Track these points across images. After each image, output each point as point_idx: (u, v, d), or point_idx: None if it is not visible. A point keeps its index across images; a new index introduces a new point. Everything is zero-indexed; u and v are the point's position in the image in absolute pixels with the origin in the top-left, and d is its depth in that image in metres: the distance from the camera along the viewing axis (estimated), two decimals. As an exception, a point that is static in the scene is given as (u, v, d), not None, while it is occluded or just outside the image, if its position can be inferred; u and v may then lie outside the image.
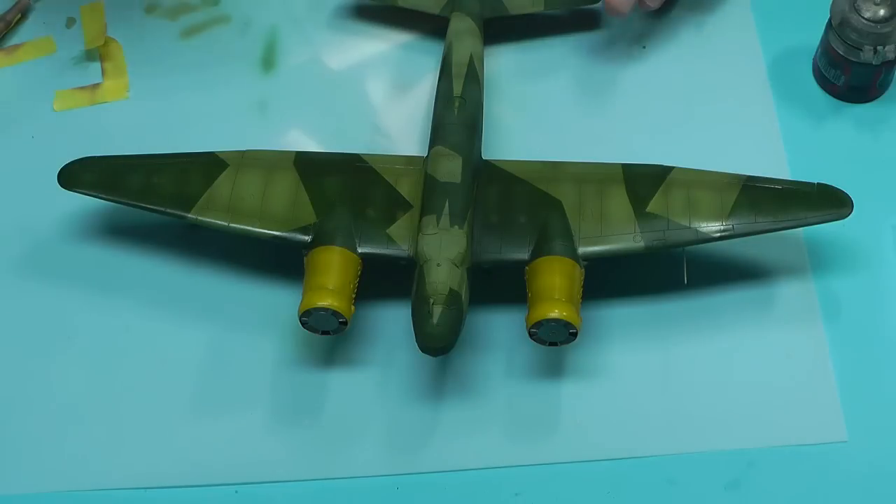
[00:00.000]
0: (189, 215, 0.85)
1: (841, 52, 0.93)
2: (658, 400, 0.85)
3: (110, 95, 1.00)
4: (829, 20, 0.94)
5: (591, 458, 0.83)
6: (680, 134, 0.97)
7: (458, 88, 0.90)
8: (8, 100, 1.00)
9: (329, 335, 0.83)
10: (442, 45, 0.96)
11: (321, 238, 0.83)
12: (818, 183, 0.86)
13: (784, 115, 0.97)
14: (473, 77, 0.91)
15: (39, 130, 0.99)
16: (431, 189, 0.85)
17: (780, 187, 0.85)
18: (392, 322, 0.87)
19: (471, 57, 0.93)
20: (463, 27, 0.95)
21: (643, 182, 0.86)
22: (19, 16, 1.04)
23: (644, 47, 1.01)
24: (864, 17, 0.91)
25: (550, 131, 0.97)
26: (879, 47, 0.92)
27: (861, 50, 0.92)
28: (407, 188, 0.86)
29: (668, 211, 0.84)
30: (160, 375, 0.87)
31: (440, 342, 0.80)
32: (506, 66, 1.00)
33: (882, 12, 0.91)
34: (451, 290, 0.80)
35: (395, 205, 0.85)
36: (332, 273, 0.82)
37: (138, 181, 0.87)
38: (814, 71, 0.99)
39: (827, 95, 0.98)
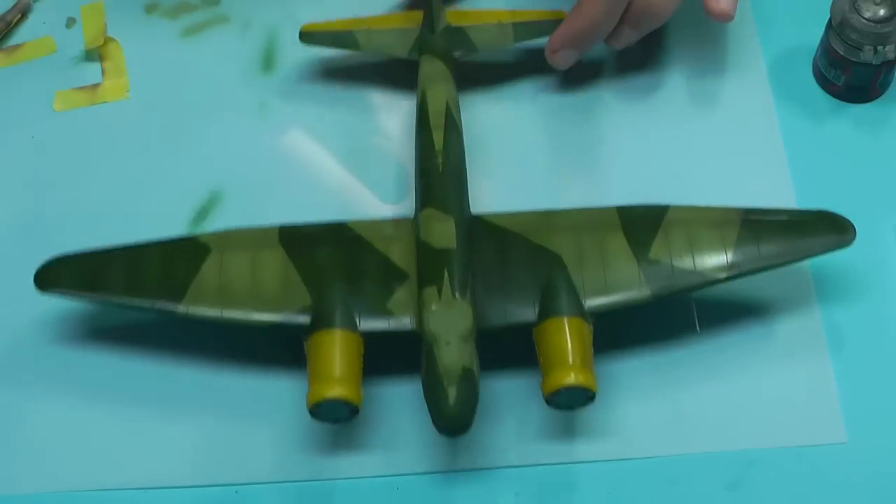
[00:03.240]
0: (178, 309, 0.82)
1: (841, 52, 0.93)
2: (658, 400, 0.85)
3: (110, 95, 1.00)
4: (829, 20, 0.94)
5: (591, 458, 0.83)
6: (679, 134, 0.96)
7: (439, 142, 0.87)
8: (8, 100, 1.00)
9: (339, 423, 0.81)
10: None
11: (320, 320, 0.80)
12: (818, 210, 0.85)
13: (784, 115, 0.97)
14: (453, 126, 0.89)
15: (39, 130, 0.99)
16: (428, 258, 0.82)
17: (779, 218, 0.84)
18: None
19: (447, 104, 0.90)
20: (434, 71, 0.92)
21: (641, 226, 0.84)
22: (19, 16, 1.04)
23: (644, 48, 1.01)
24: (864, 17, 0.91)
25: (551, 131, 0.97)
26: (879, 47, 0.92)
27: (861, 50, 0.92)
28: (399, 256, 0.84)
29: (670, 255, 0.82)
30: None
31: (459, 423, 0.77)
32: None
33: (882, 12, 0.91)
34: (463, 367, 0.78)
35: (390, 276, 0.83)
36: (337, 359, 0.79)
37: (119, 278, 0.83)
38: (814, 71, 0.99)
39: (827, 95, 0.98)
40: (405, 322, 0.81)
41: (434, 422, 0.78)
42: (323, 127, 0.98)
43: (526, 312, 0.81)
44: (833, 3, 0.93)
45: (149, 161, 0.97)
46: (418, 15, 0.97)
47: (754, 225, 0.84)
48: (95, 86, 1.01)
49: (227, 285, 0.82)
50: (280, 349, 0.87)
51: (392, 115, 0.98)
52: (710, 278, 0.82)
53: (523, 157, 0.95)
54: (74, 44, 1.03)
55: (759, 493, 0.83)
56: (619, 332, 0.87)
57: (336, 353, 0.79)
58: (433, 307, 0.80)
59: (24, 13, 1.04)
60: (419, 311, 0.81)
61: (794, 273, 0.89)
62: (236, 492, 0.84)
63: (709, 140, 0.96)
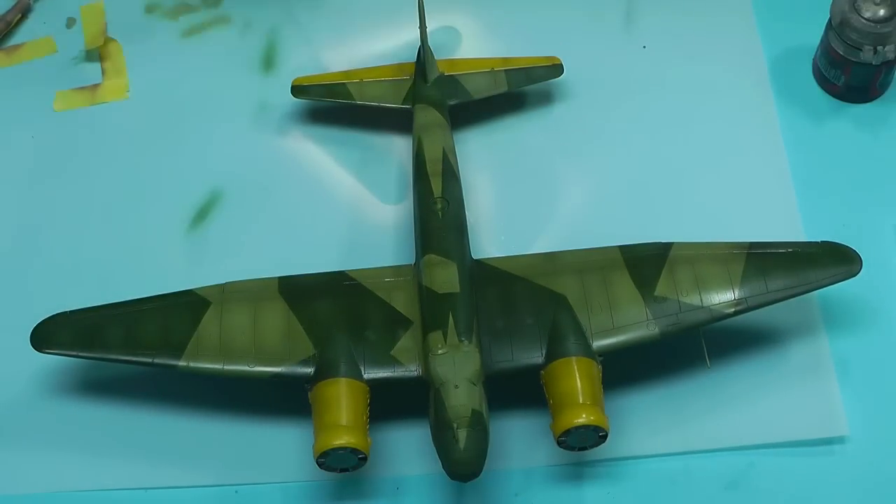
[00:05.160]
0: (179, 364, 0.81)
1: (841, 52, 0.93)
2: (657, 400, 0.85)
3: (110, 95, 1.00)
4: (829, 20, 0.94)
5: (592, 458, 0.83)
6: (680, 134, 0.96)
7: (437, 189, 0.87)
8: (8, 100, 1.00)
9: (348, 472, 0.80)
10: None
11: (324, 370, 0.80)
12: (822, 242, 0.84)
13: (784, 115, 0.97)
14: (450, 173, 0.88)
15: (39, 130, 0.99)
16: (431, 303, 0.82)
17: (785, 251, 0.83)
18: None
19: (443, 151, 0.89)
20: (429, 120, 0.92)
21: (645, 264, 0.83)
22: (19, 16, 1.04)
23: (644, 47, 1.01)
24: (864, 17, 0.91)
25: (551, 130, 0.97)
26: (879, 47, 0.92)
27: (861, 50, 0.92)
28: (402, 303, 0.83)
29: (676, 292, 0.82)
30: None
31: (470, 468, 0.77)
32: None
33: (882, 12, 0.91)
34: (473, 411, 0.77)
35: (394, 323, 0.82)
36: (343, 407, 0.78)
37: (118, 334, 0.82)
38: (814, 71, 0.99)
39: (827, 95, 0.98)
40: (411, 369, 0.80)
41: (444, 467, 0.77)
42: (323, 127, 0.98)
43: (534, 355, 0.81)
44: (833, 3, 0.93)
45: (149, 161, 0.97)
46: (410, 66, 0.96)
47: (760, 259, 0.83)
48: (95, 86, 1.01)
49: (227, 339, 0.82)
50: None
51: (392, 116, 0.97)
52: (718, 314, 0.81)
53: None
54: (74, 44, 1.03)
55: (759, 493, 0.83)
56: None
57: (341, 401, 0.78)
58: (439, 351, 0.79)
59: (24, 13, 1.04)
60: (425, 356, 0.80)
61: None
62: (236, 492, 0.84)
63: (709, 141, 0.96)
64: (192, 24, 1.04)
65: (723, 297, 0.82)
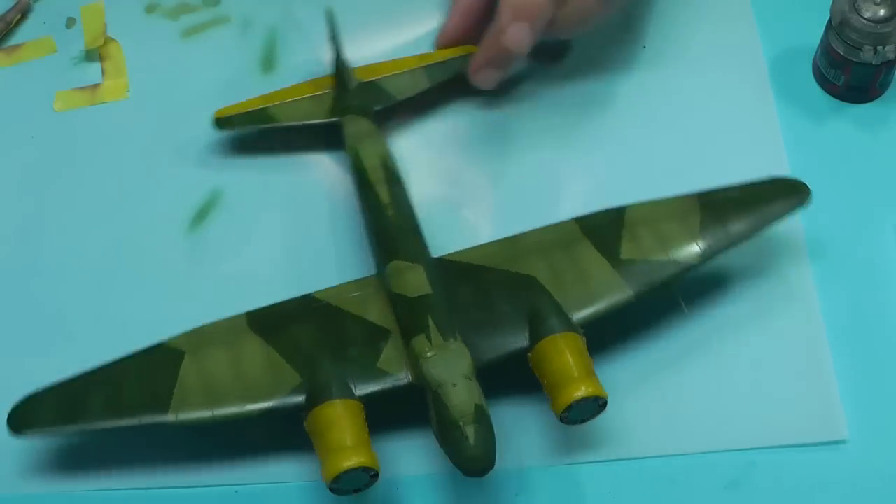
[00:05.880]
0: (168, 419, 0.79)
1: (841, 52, 0.93)
2: (657, 400, 0.85)
3: (110, 95, 1.00)
4: (829, 20, 0.94)
5: (592, 458, 0.83)
6: (680, 134, 0.96)
7: (385, 196, 0.87)
8: (8, 100, 1.00)
9: (360, 492, 0.79)
10: None
11: (315, 395, 0.79)
12: (770, 178, 0.86)
13: (784, 115, 0.97)
14: (394, 178, 0.88)
15: (39, 130, 0.99)
16: (407, 308, 0.81)
17: (736, 195, 0.85)
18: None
19: (381, 158, 0.89)
20: (359, 130, 0.92)
21: (604, 231, 0.84)
22: (19, 16, 1.04)
23: (644, 47, 1.01)
24: (864, 17, 0.91)
25: (550, 131, 0.97)
26: (879, 47, 0.92)
27: (861, 50, 0.92)
28: (376, 314, 0.82)
29: (641, 252, 0.83)
30: None
31: (484, 462, 0.76)
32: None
33: (882, 12, 0.91)
34: (476, 406, 0.77)
35: (373, 336, 0.81)
36: (344, 428, 0.77)
37: (99, 402, 0.80)
38: (814, 71, 0.99)
39: (827, 95, 0.98)
40: (401, 377, 0.80)
41: (458, 466, 0.77)
42: (322, 127, 0.98)
43: (518, 340, 0.81)
44: (833, 3, 0.93)
45: (149, 161, 0.97)
46: (325, 80, 0.96)
47: (714, 206, 0.85)
48: (95, 86, 1.01)
49: (211, 384, 0.80)
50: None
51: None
52: (686, 265, 0.83)
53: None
54: (74, 44, 1.03)
55: (759, 493, 0.83)
56: (609, 334, 0.86)
57: (341, 422, 0.78)
58: (428, 354, 0.79)
59: (24, 13, 1.04)
60: (414, 362, 0.80)
61: (794, 272, 0.90)
62: (236, 492, 0.84)
63: (709, 140, 0.96)
64: (192, 24, 1.04)
65: (687, 251, 0.83)
